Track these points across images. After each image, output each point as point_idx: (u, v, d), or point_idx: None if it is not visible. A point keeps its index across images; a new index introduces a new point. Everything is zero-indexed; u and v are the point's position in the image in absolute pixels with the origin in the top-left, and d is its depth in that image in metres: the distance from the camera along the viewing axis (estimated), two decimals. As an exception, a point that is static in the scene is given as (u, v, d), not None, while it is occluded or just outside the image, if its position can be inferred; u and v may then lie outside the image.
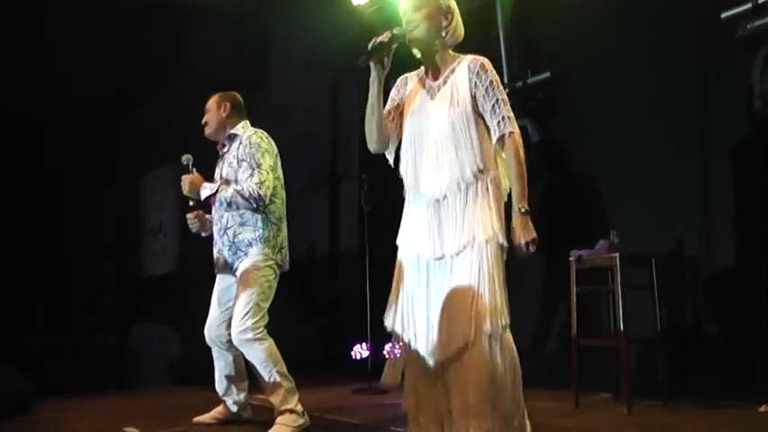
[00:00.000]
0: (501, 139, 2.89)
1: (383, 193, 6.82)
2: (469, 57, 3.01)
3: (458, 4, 3.07)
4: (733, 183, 4.99)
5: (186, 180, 4.43)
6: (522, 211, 2.87)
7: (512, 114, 2.92)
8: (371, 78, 2.97)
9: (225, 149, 4.60)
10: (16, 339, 7.65)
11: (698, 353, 5.06)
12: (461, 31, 3.06)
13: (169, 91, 10.36)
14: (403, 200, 3.07)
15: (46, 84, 9.17)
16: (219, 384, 4.60)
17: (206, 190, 4.37)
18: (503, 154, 2.93)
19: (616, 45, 5.75)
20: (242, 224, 4.37)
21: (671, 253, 5.19)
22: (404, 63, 3.09)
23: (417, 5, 2.97)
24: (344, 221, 8.72)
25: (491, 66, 2.98)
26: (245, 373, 4.59)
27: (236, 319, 4.26)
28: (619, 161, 5.68)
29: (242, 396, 4.61)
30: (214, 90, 4.73)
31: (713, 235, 5.08)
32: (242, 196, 4.26)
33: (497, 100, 2.91)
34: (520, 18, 6.21)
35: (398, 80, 3.16)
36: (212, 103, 4.65)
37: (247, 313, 4.23)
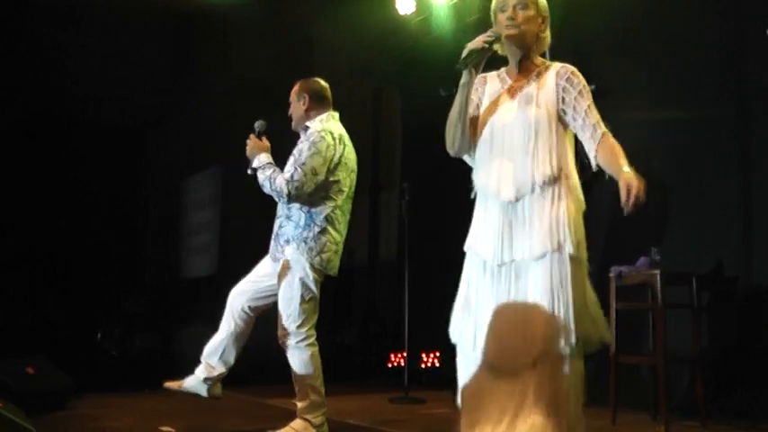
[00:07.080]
0: (599, 139, 2.88)
1: (424, 202, 6.88)
2: (558, 64, 2.95)
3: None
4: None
5: (249, 143, 4.29)
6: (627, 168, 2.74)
7: (600, 118, 2.91)
8: (462, 82, 2.88)
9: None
10: (55, 336, 7.77)
11: (737, 373, 4.98)
12: (549, 39, 3.02)
13: (211, 96, 10.43)
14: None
15: (86, 88, 9.29)
16: (209, 347, 4.47)
17: (256, 160, 4.25)
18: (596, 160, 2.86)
19: (661, 62, 5.71)
20: (288, 218, 4.29)
21: (711, 272, 5.13)
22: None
23: (524, 3, 2.89)
24: (384, 230, 8.72)
25: (580, 74, 2.93)
26: (236, 354, 4.43)
27: (280, 321, 4.22)
28: (660, 178, 5.63)
29: (222, 369, 4.43)
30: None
31: (754, 254, 5.01)
32: (270, 184, 4.18)
33: (589, 105, 2.90)
34: (567, 33, 6.18)
35: (477, 79, 2.97)
36: (293, 94, 4.42)
37: (289, 316, 4.19)
